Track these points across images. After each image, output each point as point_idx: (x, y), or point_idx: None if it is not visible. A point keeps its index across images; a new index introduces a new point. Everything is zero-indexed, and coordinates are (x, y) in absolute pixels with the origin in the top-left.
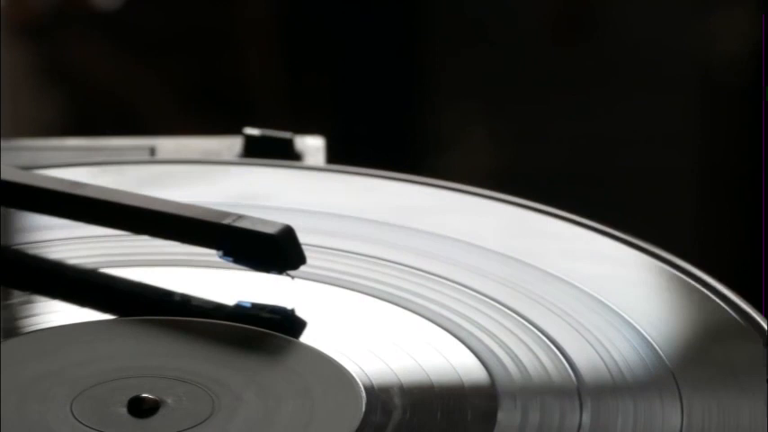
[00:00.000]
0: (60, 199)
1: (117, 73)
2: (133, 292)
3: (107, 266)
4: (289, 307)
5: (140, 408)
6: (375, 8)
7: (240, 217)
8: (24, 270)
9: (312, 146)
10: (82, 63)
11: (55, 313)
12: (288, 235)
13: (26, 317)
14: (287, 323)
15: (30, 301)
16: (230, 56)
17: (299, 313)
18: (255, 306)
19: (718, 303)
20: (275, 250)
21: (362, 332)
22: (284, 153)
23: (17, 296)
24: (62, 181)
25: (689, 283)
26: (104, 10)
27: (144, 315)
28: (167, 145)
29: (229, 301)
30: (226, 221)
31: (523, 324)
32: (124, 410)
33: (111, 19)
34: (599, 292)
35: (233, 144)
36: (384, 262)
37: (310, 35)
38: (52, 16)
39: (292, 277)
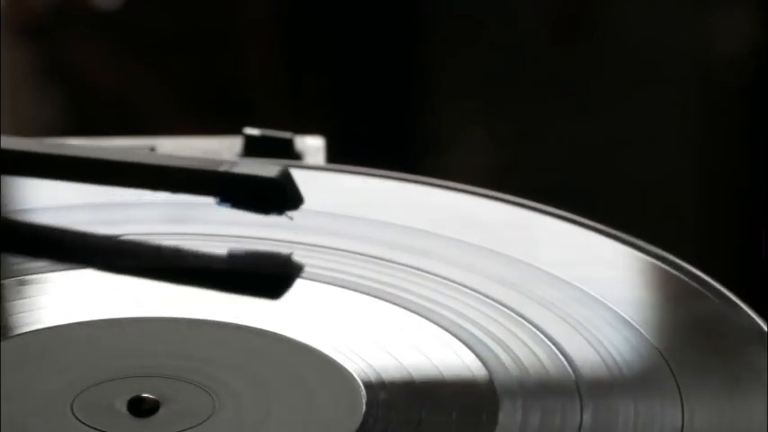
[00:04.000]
0: (54, 161)
1: (117, 73)
2: (121, 248)
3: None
4: (285, 252)
5: (140, 408)
6: (375, 8)
7: (235, 163)
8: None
9: (312, 146)
10: (82, 63)
11: (55, 313)
12: (287, 177)
13: (26, 316)
14: (286, 266)
15: (30, 300)
16: (230, 56)
17: (302, 315)
18: (250, 253)
19: (718, 304)
20: (276, 192)
21: (363, 332)
22: (284, 153)
23: (18, 295)
24: (52, 144)
25: (689, 284)
26: (104, 10)
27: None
28: (167, 145)
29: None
30: (223, 168)
31: (524, 324)
32: (124, 410)
33: (111, 19)
34: (599, 292)
35: (233, 144)
36: (384, 262)
37: (310, 35)
38: (52, 16)
39: (291, 218)
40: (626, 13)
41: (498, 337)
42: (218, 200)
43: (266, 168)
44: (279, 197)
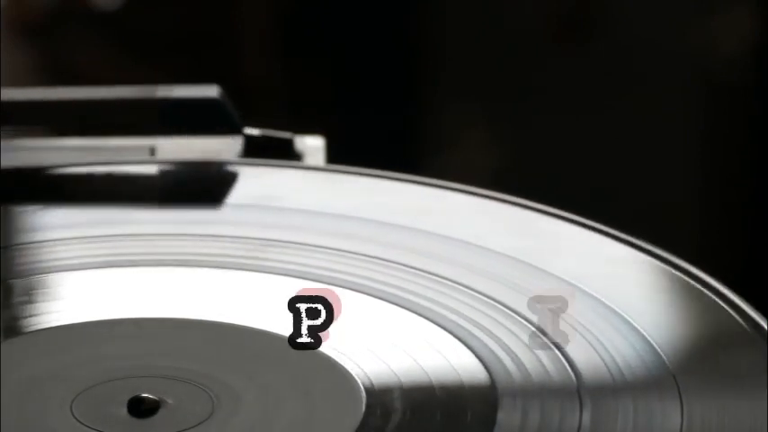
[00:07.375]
0: None
1: (117, 73)
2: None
3: (105, 266)
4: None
5: (140, 408)
6: (374, 8)
7: (170, 88)
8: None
9: (312, 146)
10: (82, 63)
11: (55, 313)
12: (226, 98)
13: (26, 317)
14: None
15: (31, 301)
16: (230, 56)
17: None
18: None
19: (719, 305)
20: (218, 112)
21: (363, 332)
22: (284, 153)
23: (18, 296)
24: None
25: (690, 285)
26: (104, 10)
27: None
28: (167, 145)
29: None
30: (161, 94)
31: (524, 324)
32: (124, 410)
33: (111, 19)
34: (600, 292)
35: (233, 144)
36: (384, 262)
37: (310, 35)
38: (52, 16)
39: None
40: (626, 13)
41: (497, 337)
42: (158, 125)
43: (205, 90)
44: (221, 117)
